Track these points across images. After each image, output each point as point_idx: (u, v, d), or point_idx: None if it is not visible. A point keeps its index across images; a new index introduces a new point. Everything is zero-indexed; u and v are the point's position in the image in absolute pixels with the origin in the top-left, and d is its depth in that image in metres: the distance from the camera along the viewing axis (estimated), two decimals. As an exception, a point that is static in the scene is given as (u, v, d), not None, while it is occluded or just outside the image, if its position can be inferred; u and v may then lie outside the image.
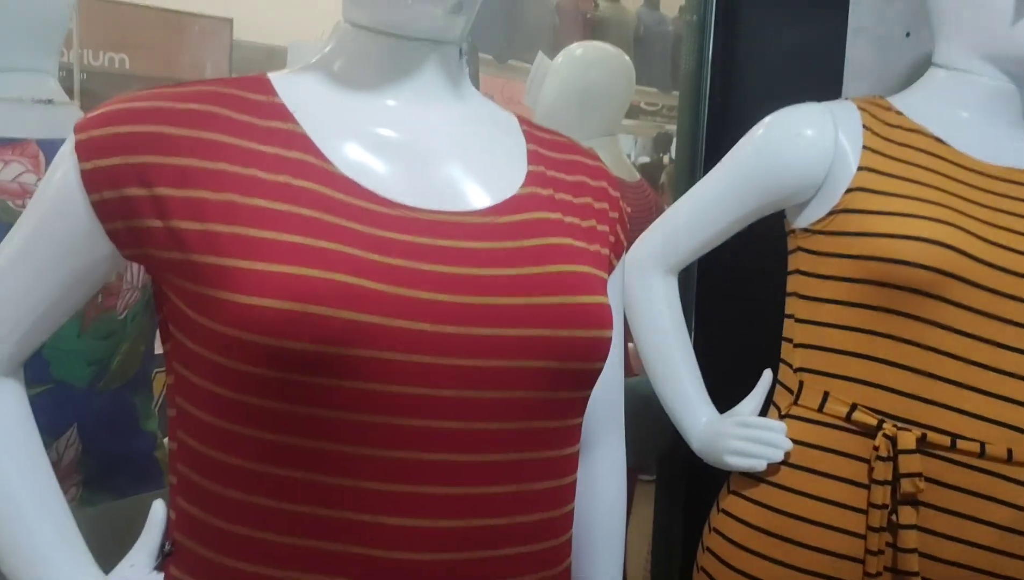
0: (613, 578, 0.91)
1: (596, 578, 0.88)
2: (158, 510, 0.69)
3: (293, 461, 0.61)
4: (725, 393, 1.13)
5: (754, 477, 1.03)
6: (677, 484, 1.74)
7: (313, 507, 0.62)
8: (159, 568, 0.68)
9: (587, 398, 0.72)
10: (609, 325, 0.70)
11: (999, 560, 0.95)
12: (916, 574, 0.93)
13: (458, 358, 0.63)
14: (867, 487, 0.96)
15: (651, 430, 1.26)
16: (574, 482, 0.74)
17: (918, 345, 0.94)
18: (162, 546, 0.69)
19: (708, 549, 1.08)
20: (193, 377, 0.65)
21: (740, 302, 1.39)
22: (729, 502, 1.07)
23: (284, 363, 0.60)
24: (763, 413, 1.08)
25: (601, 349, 0.70)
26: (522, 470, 0.67)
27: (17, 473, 0.68)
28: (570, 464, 0.72)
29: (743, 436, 1.03)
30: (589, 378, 0.70)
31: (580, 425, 0.73)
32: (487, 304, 0.64)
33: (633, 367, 1.42)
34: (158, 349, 1.00)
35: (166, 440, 1.03)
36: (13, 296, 0.68)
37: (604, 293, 0.72)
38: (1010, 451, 0.93)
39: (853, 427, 0.98)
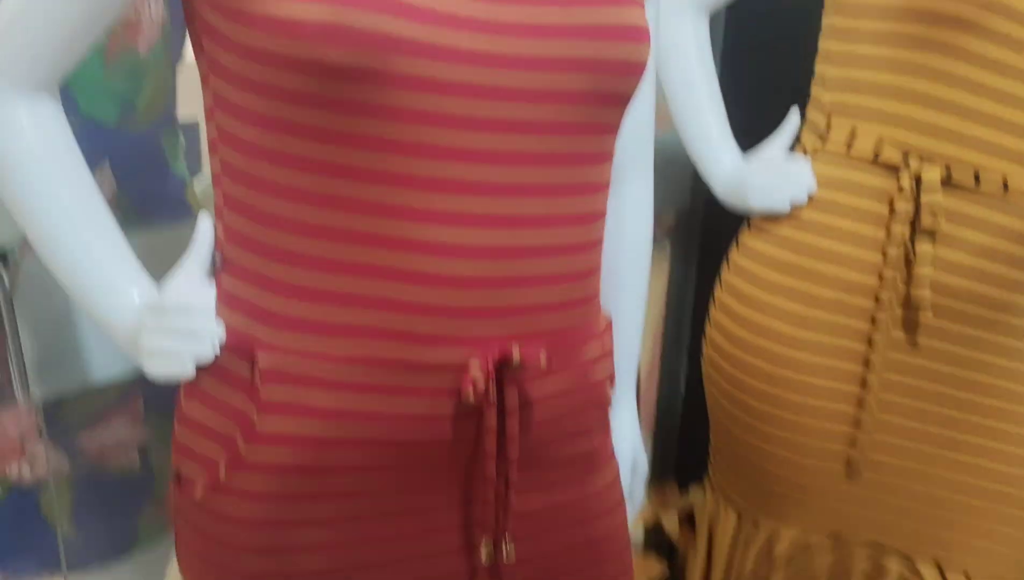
0: (637, 311, 0.96)
1: (622, 312, 0.92)
2: (205, 224, 0.72)
3: (336, 173, 0.63)
4: (751, 133, 1.13)
5: (776, 217, 1.06)
6: (691, 244, 1.77)
7: (356, 217, 0.64)
8: (211, 278, 0.72)
9: (620, 120, 0.72)
10: (646, 41, 0.69)
11: (1000, 293, 0.99)
12: (927, 307, 0.97)
13: (497, 72, 0.63)
14: (887, 224, 0.98)
15: (670, 188, 1.27)
16: (604, 209, 0.75)
17: (951, 78, 0.93)
18: (212, 258, 0.72)
19: (727, 285, 1.12)
20: (230, 92, 0.65)
21: (768, 41, 1.36)
22: (749, 239, 1.10)
23: (321, 73, 0.59)
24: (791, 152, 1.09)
25: (638, 65, 0.69)
26: (557, 189, 0.68)
27: (70, 189, 0.70)
28: (602, 188, 0.74)
29: (768, 177, 1.04)
30: (624, 96, 0.70)
31: (612, 153, 0.74)
32: (526, 21, 0.63)
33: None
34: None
35: (195, 181, 1.06)
36: (43, 16, 0.67)
37: (642, 15, 0.71)
38: None
39: (879, 165, 0.99)
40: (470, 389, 0.67)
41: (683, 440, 1.87)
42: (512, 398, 0.70)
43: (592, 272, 0.75)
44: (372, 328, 0.66)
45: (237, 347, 0.68)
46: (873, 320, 1.00)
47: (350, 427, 0.68)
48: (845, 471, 1.06)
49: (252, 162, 0.65)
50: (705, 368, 1.17)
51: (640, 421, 0.98)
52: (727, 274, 1.12)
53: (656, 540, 1.88)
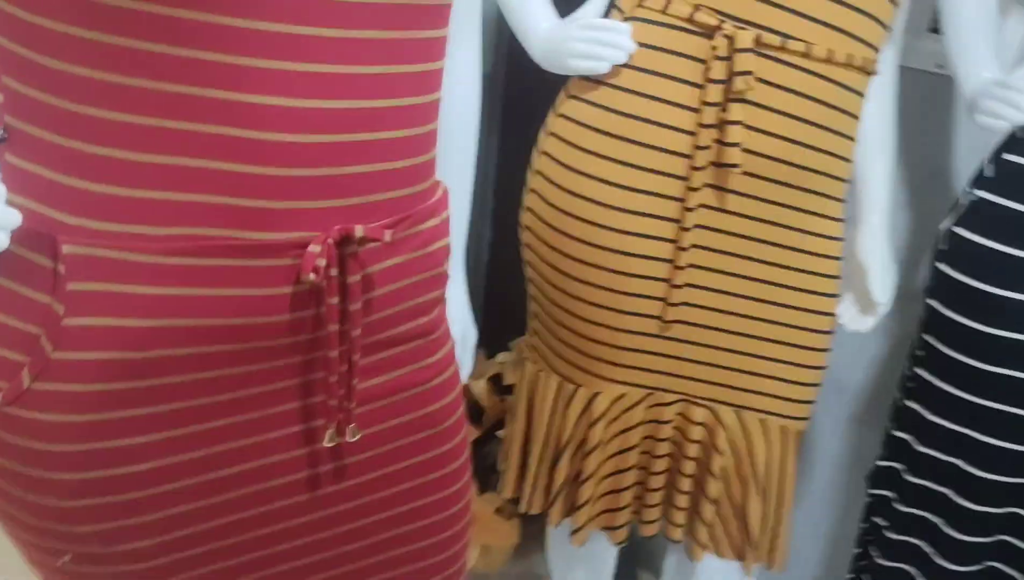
0: (467, 178, 0.93)
1: (452, 179, 0.88)
2: None
3: (146, 29, 0.54)
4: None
5: (594, 80, 1.05)
6: (495, 107, 1.75)
7: (170, 81, 0.55)
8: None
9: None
10: None
11: (811, 154, 1.04)
12: (737, 166, 1.01)
13: None
14: (702, 86, 1.00)
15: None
16: (441, 74, 0.71)
17: None
18: (-12, 132, 0.60)
19: (544, 153, 1.11)
20: None
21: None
22: (567, 106, 1.08)
23: None
24: (606, 16, 1.07)
25: None
26: (396, 50, 0.63)
27: None
28: (439, 51, 0.69)
29: (587, 38, 1.02)
30: None
31: (448, 13, 0.69)
32: None
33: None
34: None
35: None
36: None
37: None
38: (830, 51, 0.99)
39: (694, 28, 1.00)
40: (310, 270, 0.62)
41: (489, 306, 1.90)
42: (355, 277, 0.66)
43: (431, 139, 0.71)
44: (196, 207, 0.58)
45: (34, 235, 0.58)
46: (688, 182, 1.03)
47: (176, 319, 0.61)
48: (659, 329, 1.10)
49: (35, 14, 0.55)
50: (523, 234, 1.16)
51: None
52: (544, 139, 1.11)
53: (468, 406, 1.92)
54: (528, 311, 1.24)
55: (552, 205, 1.09)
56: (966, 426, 1.09)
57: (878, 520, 1.24)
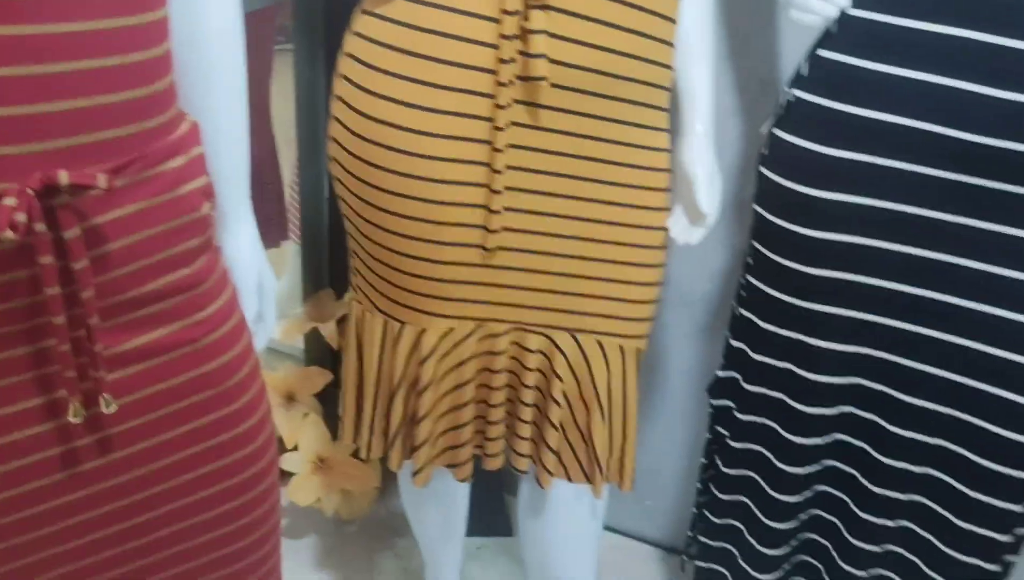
0: (235, 111, 0.84)
1: (217, 114, 0.80)
2: None
3: None
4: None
5: (386, -6, 0.96)
6: (315, 43, 1.64)
7: None
8: None
9: None
10: None
11: (625, 62, 0.99)
12: (544, 78, 0.95)
13: None
14: (500, -5, 0.93)
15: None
16: None
17: None
18: None
19: (343, 76, 1.02)
20: None
21: None
22: (361, 23, 1.00)
23: None
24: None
25: None
26: None
27: None
28: None
29: None
30: None
31: None
32: None
33: None
34: None
35: None
36: None
37: None
38: None
39: None
40: (6, 227, 0.53)
41: (333, 248, 1.81)
42: (72, 232, 0.57)
43: (157, 68, 0.62)
44: None
45: None
46: (495, 100, 0.96)
47: None
48: (481, 258, 1.05)
49: None
50: (330, 166, 1.08)
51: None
52: (342, 60, 1.02)
53: (319, 350, 1.85)
54: (348, 249, 1.16)
55: (355, 133, 1.01)
56: (795, 331, 1.09)
57: (721, 430, 1.24)
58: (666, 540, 1.80)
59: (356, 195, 1.05)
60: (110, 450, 0.68)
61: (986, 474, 1.05)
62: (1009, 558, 1.11)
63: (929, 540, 1.13)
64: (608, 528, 1.82)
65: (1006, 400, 1.01)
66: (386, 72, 0.97)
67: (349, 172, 1.04)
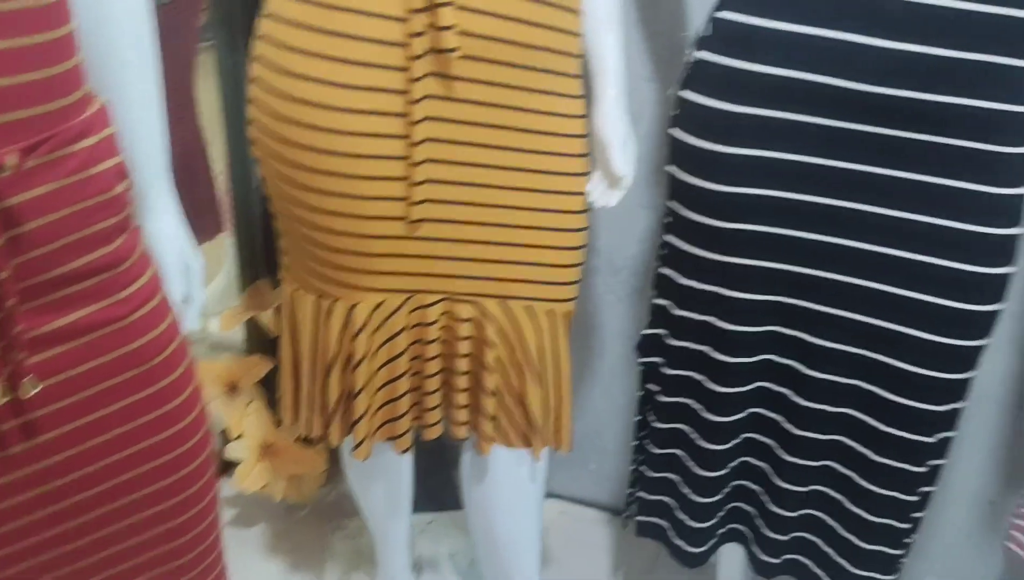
0: (148, 92, 0.85)
1: (129, 94, 0.80)
2: None
3: None
4: None
5: (294, -26, 0.97)
6: (237, 41, 1.64)
7: None
8: None
9: None
10: None
11: (533, 31, 1.02)
12: (454, 50, 0.97)
13: None
14: (406, -31, 0.95)
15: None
16: None
17: None
18: None
19: (258, 58, 1.04)
20: None
21: None
22: (273, 4, 1.01)
23: None
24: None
25: None
26: None
27: None
28: None
29: None
30: None
31: None
32: None
33: None
34: None
35: None
36: None
37: None
38: None
39: None
40: None
41: (268, 237, 1.81)
42: None
43: (60, 49, 0.63)
44: None
45: None
46: (408, 73, 0.98)
47: None
48: (406, 230, 1.07)
49: None
50: (253, 150, 1.09)
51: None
52: (256, 47, 1.03)
53: (259, 340, 1.86)
54: (276, 230, 1.18)
55: (272, 114, 1.03)
56: (713, 284, 1.13)
57: (650, 386, 1.28)
58: (613, 503, 1.84)
59: (279, 174, 1.06)
60: (36, 433, 0.69)
61: (899, 409, 1.11)
62: (925, 489, 1.17)
63: (850, 477, 1.18)
64: (555, 495, 1.86)
65: (916, 338, 1.07)
66: (299, 51, 0.99)
67: (270, 153, 1.06)
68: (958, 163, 0.98)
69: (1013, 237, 1.01)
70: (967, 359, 1.07)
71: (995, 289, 1.03)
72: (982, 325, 1.05)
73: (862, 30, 0.95)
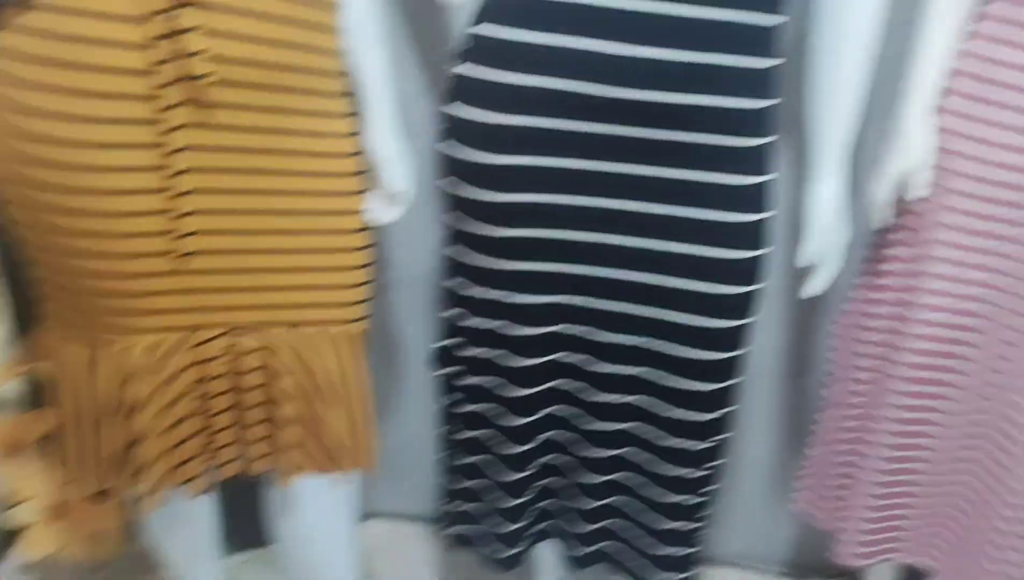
0: None
1: None
2: None
3: None
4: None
5: (25, 4, 0.91)
6: None
7: None
8: None
9: None
10: None
11: (286, 53, 1.00)
12: (204, 76, 0.94)
13: None
14: (146, -4, 0.91)
15: None
16: None
17: None
18: None
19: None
20: None
21: None
22: (2, 39, 0.94)
23: None
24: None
25: None
26: None
27: None
28: None
29: None
30: None
31: None
32: None
33: None
34: None
35: None
36: None
37: None
38: None
39: None
40: None
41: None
42: None
43: None
44: None
45: None
46: (157, 103, 0.94)
47: None
48: (174, 265, 1.02)
49: None
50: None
51: None
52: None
53: (40, 394, 1.72)
54: (31, 278, 1.09)
55: (16, 155, 0.95)
56: (495, 290, 1.15)
57: (448, 397, 1.29)
58: (435, 515, 1.84)
59: (31, 219, 0.99)
60: None
61: (680, 392, 1.17)
62: (714, 463, 1.25)
63: (647, 460, 1.24)
64: (377, 514, 1.84)
65: (685, 324, 1.13)
66: (35, 86, 0.92)
67: (15, 196, 0.98)
68: (705, 157, 1.05)
69: (760, 222, 1.10)
70: (734, 339, 1.15)
71: (749, 272, 1.11)
72: (742, 306, 1.13)
73: (607, 37, 0.99)
